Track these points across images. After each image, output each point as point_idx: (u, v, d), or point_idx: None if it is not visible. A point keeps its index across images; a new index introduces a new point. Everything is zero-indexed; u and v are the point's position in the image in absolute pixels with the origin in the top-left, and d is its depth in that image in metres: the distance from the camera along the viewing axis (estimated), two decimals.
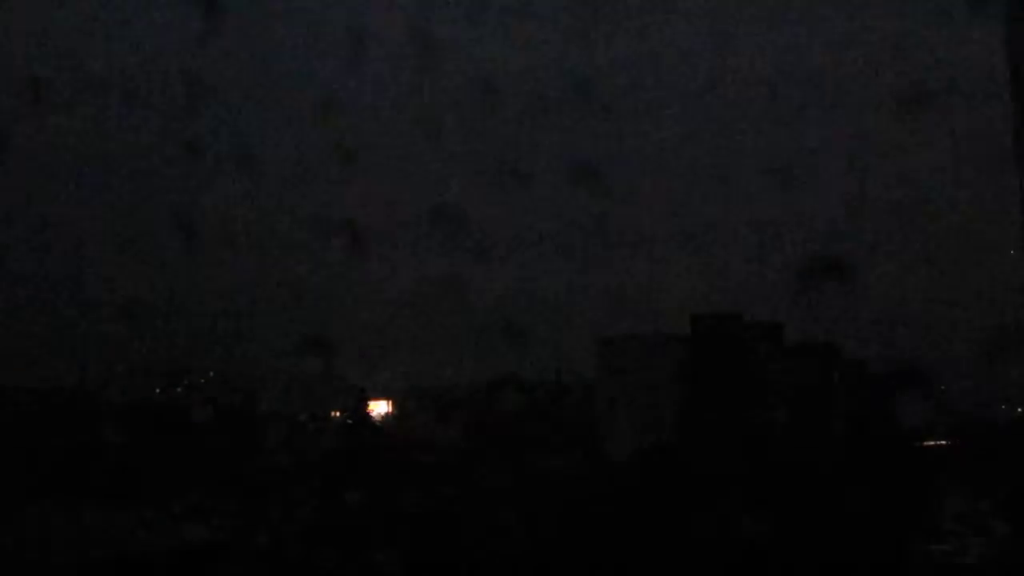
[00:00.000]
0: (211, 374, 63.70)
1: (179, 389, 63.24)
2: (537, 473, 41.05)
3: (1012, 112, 43.69)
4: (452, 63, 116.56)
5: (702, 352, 55.10)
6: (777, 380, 52.99)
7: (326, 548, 32.25)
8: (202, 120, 78.75)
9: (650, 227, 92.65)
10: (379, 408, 66.82)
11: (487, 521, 33.91)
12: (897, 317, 59.41)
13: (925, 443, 48.28)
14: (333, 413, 63.49)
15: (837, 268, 52.00)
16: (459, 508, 35.87)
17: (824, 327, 56.01)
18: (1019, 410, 59.52)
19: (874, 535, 32.11)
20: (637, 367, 55.75)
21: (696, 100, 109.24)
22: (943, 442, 48.97)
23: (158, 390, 62.66)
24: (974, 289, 59.73)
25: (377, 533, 33.30)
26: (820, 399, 52.12)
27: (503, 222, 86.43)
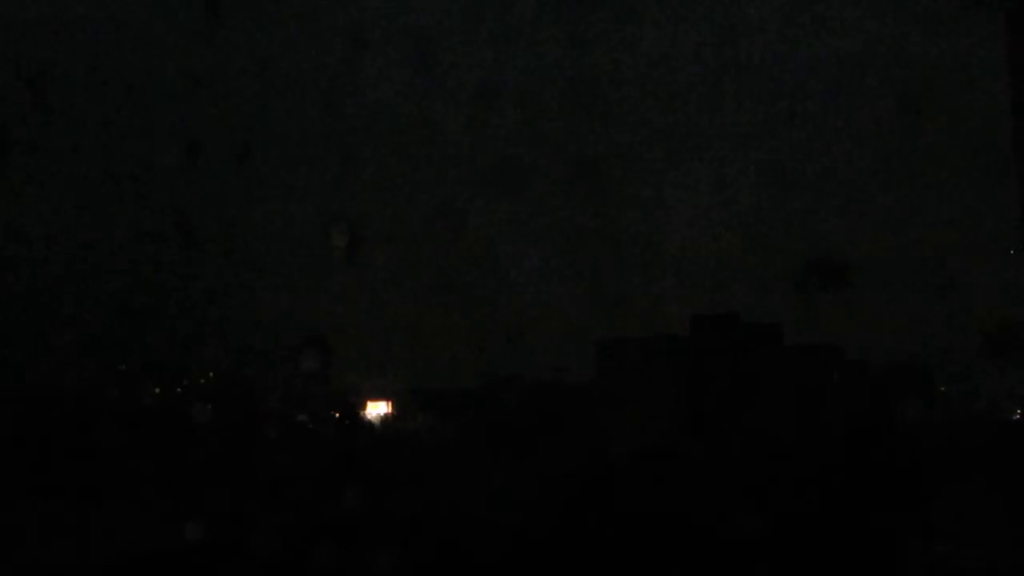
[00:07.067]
0: (211, 374, 63.67)
1: (178, 389, 63.16)
2: (537, 473, 41.02)
3: (1012, 112, 43.80)
4: (452, 62, 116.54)
5: (702, 353, 55.06)
6: (777, 381, 52.97)
7: (326, 548, 32.22)
8: (202, 120, 78.62)
9: (650, 228, 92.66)
10: (378, 408, 66.80)
11: (487, 521, 33.91)
12: (897, 317, 59.51)
13: (924, 443, 48.26)
14: (333, 413, 63.49)
15: (837, 268, 52.13)
16: (459, 508, 35.85)
17: (824, 328, 56.10)
18: (1019, 411, 59.49)
19: (873, 535, 32.14)
20: (637, 368, 55.69)
21: (695, 100, 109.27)
22: (943, 442, 48.94)
23: (157, 390, 62.58)
24: (974, 289, 59.80)
25: (377, 533, 33.28)
26: (820, 399, 52.12)
27: (503, 222, 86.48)
